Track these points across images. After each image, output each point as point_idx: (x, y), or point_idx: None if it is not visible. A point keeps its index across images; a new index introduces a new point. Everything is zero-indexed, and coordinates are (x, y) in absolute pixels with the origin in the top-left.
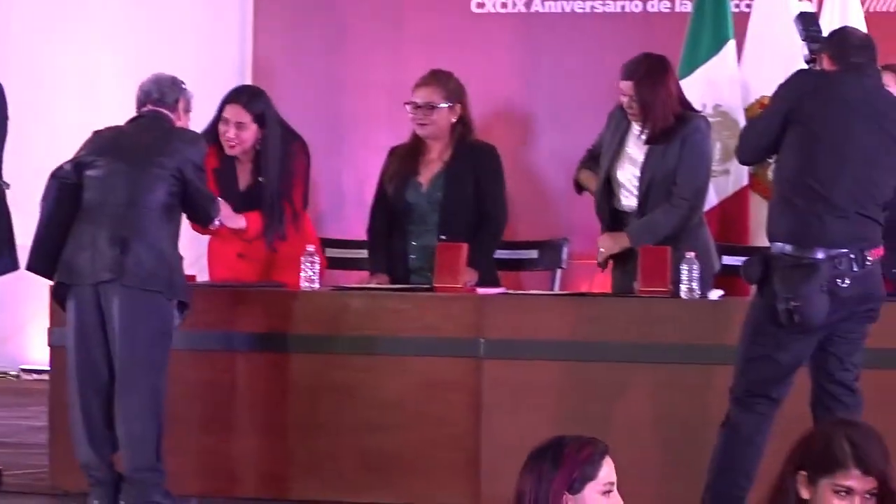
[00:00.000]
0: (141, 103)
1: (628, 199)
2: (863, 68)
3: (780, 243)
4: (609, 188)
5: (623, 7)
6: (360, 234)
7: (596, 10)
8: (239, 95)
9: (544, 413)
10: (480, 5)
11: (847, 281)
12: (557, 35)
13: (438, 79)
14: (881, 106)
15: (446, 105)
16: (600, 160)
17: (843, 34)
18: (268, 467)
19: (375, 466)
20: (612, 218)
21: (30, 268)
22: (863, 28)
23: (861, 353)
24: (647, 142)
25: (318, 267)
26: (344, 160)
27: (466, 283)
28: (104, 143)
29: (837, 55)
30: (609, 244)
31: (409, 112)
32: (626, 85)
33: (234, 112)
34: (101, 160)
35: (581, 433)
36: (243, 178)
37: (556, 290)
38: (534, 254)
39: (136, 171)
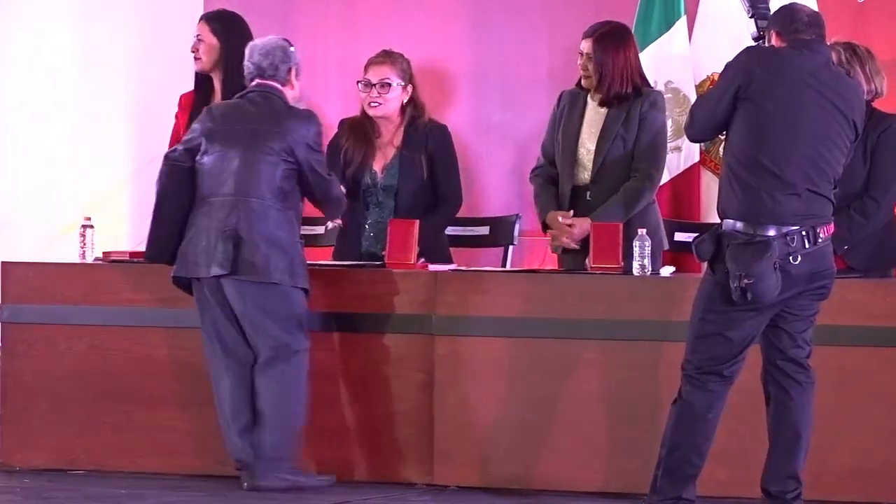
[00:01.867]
0: (252, 76)
1: (585, 174)
2: (812, 44)
3: (731, 220)
4: (571, 165)
5: None
6: (311, 210)
7: None
8: (206, 13)
9: (496, 389)
10: None
11: (799, 258)
12: (509, 10)
13: (392, 57)
14: (831, 82)
15: (400, 84)
16: (557, 139)
17: (790, 10)
18: (214, 442)
19: (329, 442)
20: (574, 193)
21: (149, 258)
22: (813, 5)
23: (812, 330)
24: (601, 104)
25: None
26: None
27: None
28: (215, 126)
29: (786, 31)
30: (574, 233)
31: (360, 91)
32: (586, 44)
33: (197, 27)
34: (212, 145)
35: (532, 409)
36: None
37: (508, 267)
38: (485, 230)
39: (247, 157)
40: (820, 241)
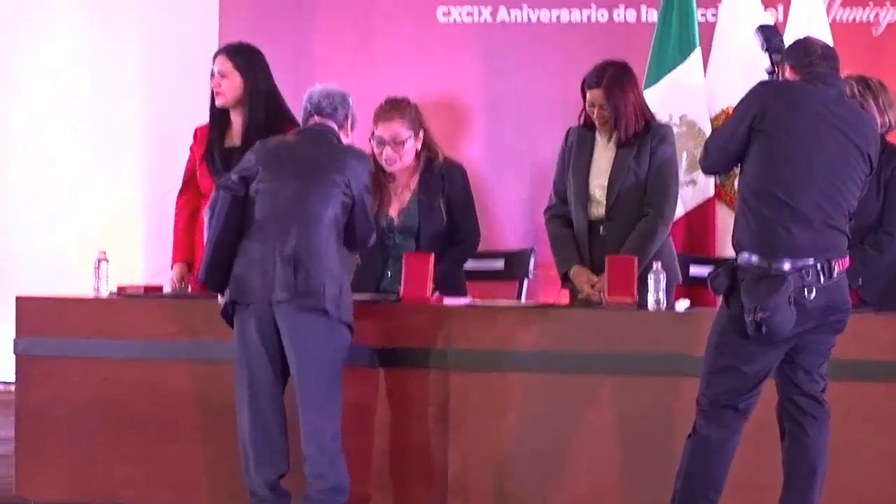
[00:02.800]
0: (308, 114)
1: (599, 210)
2: (826, 78)
3: (746, 254)
4: (583, 202)
5: (589, 17)
6: None
7: (562, 20)
8: (225, 47)
9: (511, 423)
10: (446, 14)
11: (814, 292)
12: (523, 44)
13: (400, 109)
14: (845, 115)
15: (412, 136)
16: (567, 177)
17: (804, 44)
18: (227, 474)
19: None
20: (588, 229)
21: (202, 281)
22: (828, 39)
23: (828, 364)
24: (619, 146)
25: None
26: None
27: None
28: (271, 156)
29: (800, 65)
30: (588, 291)
31: (373, 147)
32: (596, 94)
33: (217, 62)
34: (269, 174)
35: (547, 443)
36: (231, 137)
37: (523, 301)
38: (500, 264)
39: (307, 186)
40: (835, 274)
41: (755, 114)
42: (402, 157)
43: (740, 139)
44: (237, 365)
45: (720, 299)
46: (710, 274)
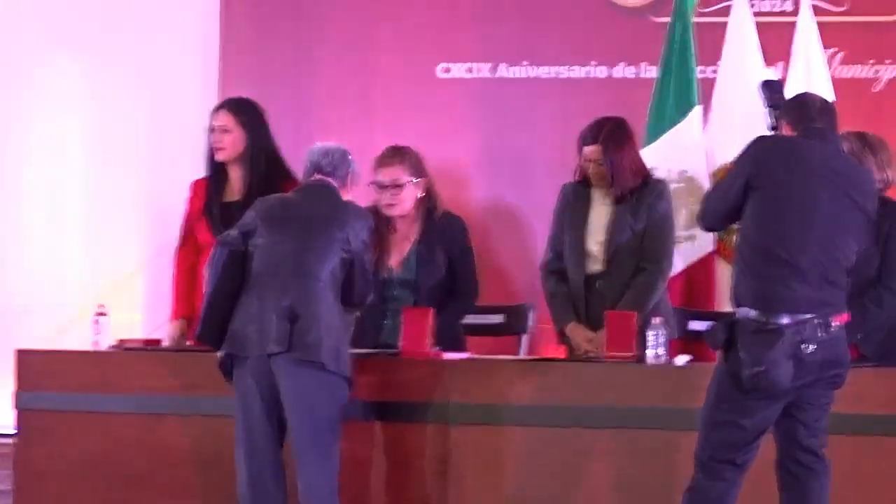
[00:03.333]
0: (309, 173)
1: (596, 265)
2: (823, 133)
3: (744, 308)
4: (579, 258)
5: (588, 73)
6: None
7: (561, 76)
8: (224, 102)
9: (511, 477)
10: (446, 70)
11: (812, 346)
12: (522, 100)
13: (401, 155)
14: (843, 170)
15: (412, 181)
16: (564, 232)
17: (802, 100)
18: None
19: None
20: (585, 284)
21: (199, 337)
22: (829, 95)
23: (827, 419)
24: (615, 202)
25: None
26: None
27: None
28: (271, 212)
29: (797, 120)
30: (586, 347)
31: (374, 192)
32: (592, 150)
33: (217, 117)
34: (269, 228)
35: (547, 497)
36: (230, 192)
37: (523, 355)
38: (500, 318)
39: (306, 242)
40: (833, 329)
41: (751, 171)
42: (403, 203)
43: (737, 195)
44: (236, 420)
45: (719, 354)
46: (708, 328)
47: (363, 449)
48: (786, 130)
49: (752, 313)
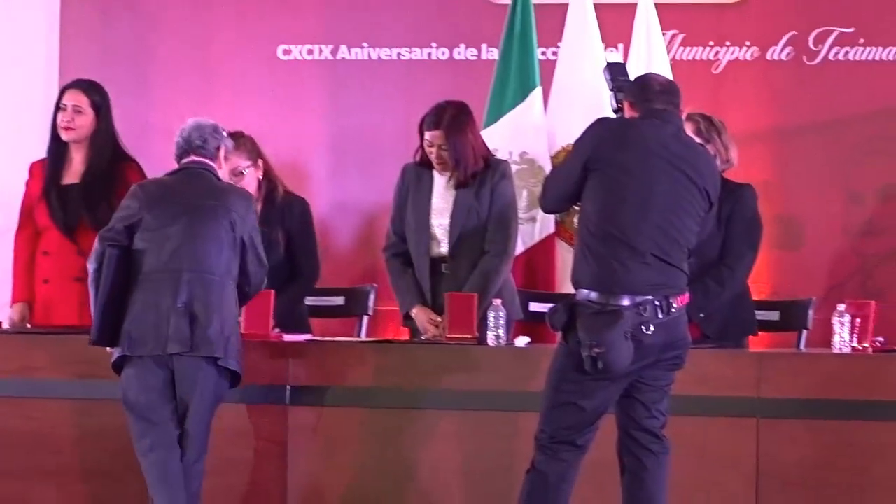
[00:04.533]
0: (183, 150)
1: (440, 248)
2: (662, 114)
3: (585, 290)
4: (424, 241)
5: (430, 54)
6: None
7: (402, 58)
8: (77, 81)
9: (351, 459)
10: (287, 52)
11: (651, 328)
12: (364, 82)
13: (236, 142)
14: (681, 151)
15: (250, 166)
16: (407, 214)
17: (644, 80)
18: None
19: None
20: (430, 266)
21: (96, 343)
22: (669, 76)
23: (667, 400)
24: (458, 186)
25: None
26: None
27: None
28: (154, 201)
29: (638, 101)
30: (431, 330)
31: None
32: (434, 134)
33: (71, 96)
34: (155, 219)
35: (387, 479)
36: (70, 174)
37: (363, 336)
38: (340, 300)
39: (192, 231)
40: (673, 311)
41: (589, 153)
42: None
43: (576, 178)
44: (132, 419)
45: (559, 336)
46: (549, 310)
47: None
48: (628, 111)
49: (593, 295)
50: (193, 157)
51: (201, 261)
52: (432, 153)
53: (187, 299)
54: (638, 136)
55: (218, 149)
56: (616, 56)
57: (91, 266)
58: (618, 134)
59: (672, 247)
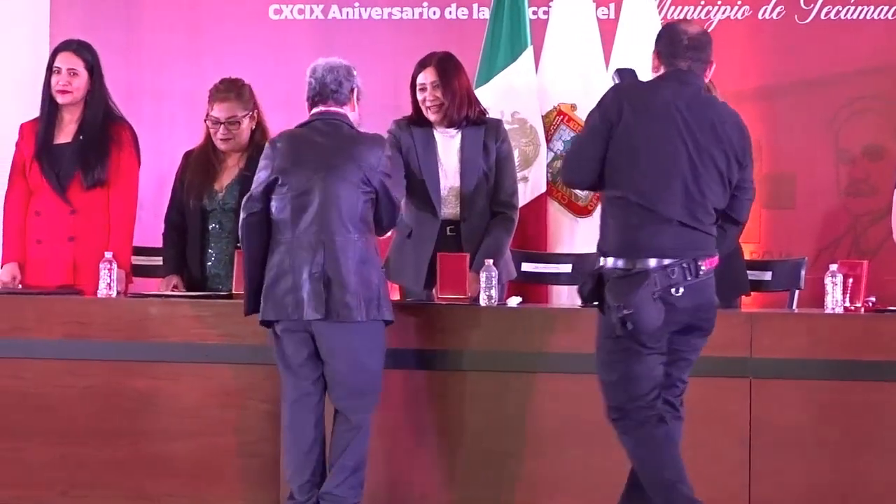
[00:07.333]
0: (316, 94)
1: (448, 210)
2: (686, 75)
3: (612, 258)
4: (437, 203)
5: (421, 14)
6: (157, 241)
7: (394, 17)
8: (69, 43)
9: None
10: (278, 11)
11: (681, 290)
12: (355, 41)
13: (236, 90)
14: (703, 111)
15: (247, 115)
16: (414, 178)
17: (674, 33)
18: (65, 475)
19: (174, 473)
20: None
21: (249, 313)
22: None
23: (690, 368)
24: (450, 125)
25: (115, 273)
26: (141, 167)
27: None
28: (286, 162)
29: (665, 56)
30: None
31: (209, 126)
32: (428, 72)
33: (65, 59)
34: (287, 183)
35: (375, 438)
36: (62, 134)
37: None
38: None
39: (326, 192)
40: (702, 273)
41: (611, 120)
42: (238, 137)
43: (598, 147)
44: (284, 379)
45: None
46: (578, 285)
47: (195, 390)
48: (654, 63)
49: (620, 262)
50: (327, 108)
51: (336, 223)
52: (425, 98)
53: (323, 262)
54: (657, 101)
55: (352, 91)
56: (605, 15)
57: (242, 233)
58: (636, 100)
59: (698, 210)
